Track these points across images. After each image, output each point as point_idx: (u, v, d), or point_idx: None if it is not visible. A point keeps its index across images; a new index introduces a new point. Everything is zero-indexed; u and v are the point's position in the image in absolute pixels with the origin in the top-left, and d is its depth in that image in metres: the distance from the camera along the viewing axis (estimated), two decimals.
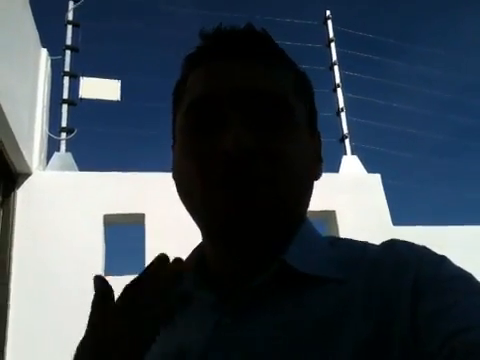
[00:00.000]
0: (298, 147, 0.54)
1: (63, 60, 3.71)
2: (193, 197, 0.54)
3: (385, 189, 3.59)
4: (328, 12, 4.56)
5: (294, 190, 0.54)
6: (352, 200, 3.44)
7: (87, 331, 0.50)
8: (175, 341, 0.55)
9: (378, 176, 3.69)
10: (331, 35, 4.46)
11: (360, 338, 0.44)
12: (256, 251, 0.53)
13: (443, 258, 0.49)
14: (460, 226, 3.67)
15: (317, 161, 0.61)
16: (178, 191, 0.57)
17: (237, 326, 0.50)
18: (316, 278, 0.50)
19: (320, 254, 0.54)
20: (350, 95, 4.26)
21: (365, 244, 0.55)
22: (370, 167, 3.80)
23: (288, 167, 0.52)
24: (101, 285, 0.51)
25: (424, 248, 0.51)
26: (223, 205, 0.50)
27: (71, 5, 3.89)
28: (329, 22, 4.51)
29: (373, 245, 0.54)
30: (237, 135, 0.50)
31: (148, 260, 2.86)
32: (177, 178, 0.58)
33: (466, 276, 0.47)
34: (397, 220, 3.46)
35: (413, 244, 0.52)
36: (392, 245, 0.53)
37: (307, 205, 0.58)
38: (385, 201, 3.54)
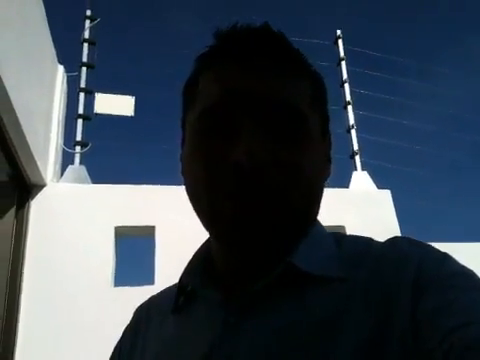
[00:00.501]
0: (311, 157, 0.54)
1: (79, 76, 3.79)
2: (201, 202, 0.54)
3: (395, 205, 3.58)
4: (339, 32, 4.61)
5: (306, 200, 0.54)
6: (362, 216, 3.42)
7: None
8: (179, 338, 0.56)
9: (388, 192, 3.67)
10: (342, 54, 4.50)
11: (361, 335, 0.44)
12: (263, 255, 0.53)
13: (445, 255, 0.49)
14: (470, 243, 3.62)
15: (327, 163, 0.60)
16: (186, 190, 0.57)
17: (240, 326, 0.50)
18: (320, 277, 0.50)
19: (325, 253, 0.54)
20: (360, 112, 4.29)
21: (369, 240, 0.56)
22: (380, 183, 3.79)
23: (301, 178, 0.52)
24: None
25: (427, 245, 0.51)
26: (232, 215, 0.50)
27: (87, 24, 4.00)
28: (340, 41, 4.55)
29: (377, 242, 0.55)
30: (250, 146, 0.49)
31: (158, 272, 2.90)
32: (186, 179, 0.57)
33: (467, 273, 0.47)
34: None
35: (416, 240, 0.52)
36: (395, 241, 0.53)
37: (318, 208, 0.58)
38: (395, 217, 3.51)
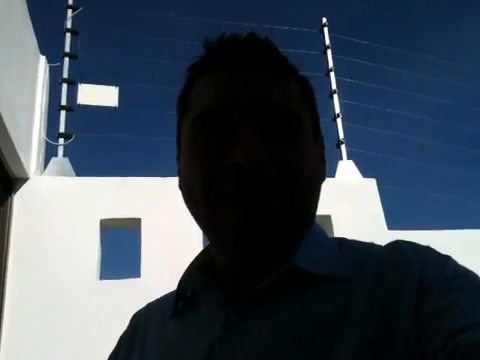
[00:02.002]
0: (307, 156, 0.54)
1: (61, 67, 3.73)
2: (198, 205, 0.54)
3: (380, 194, 3.60)
4: (324, 20, 4.61)
5: (306, 198, 0.54)
6: (348, 205, 3.45)
7: None
8: (180, 340, 0.56)
9: (374, 181, 3.70)
10: (327, 42, 4.50)
11: (363, 337, 0.44)
12: (265, 256, 0.53)
13: (447, 258, 0.50)
14: (454, 230, 3.66)
15: (322, 163, 0.61)
16: (185, 201, 0.57)
17: (242, 326, 0.50)
18: (322, 277, 0.51)
19: (326, 253, 0.54)
20: (346, 101, 4.30)
21: (371, 245, 0.56)
22: (366, 172, 3.82)
23: (300, 176, 0.52)
24: None
25: (428, 248, 0.52)
26: (232, 219, 0.50)
27: (70, 13, 3.93)
28: (325, 29, 4.55)
29: (378, 246, 0.55)
30: (248, 147, 0.49)
31: (144, 265, 2.89)
32: (184, 188, 0.57)
33: (469, 275, 0.47)
34: (392, 224, 3.46)
35: (418, 245, 0.53)
36: (396, 246, 0.53)
37: (316, 208, 0.58)
38: (380, 206, 3.54)
